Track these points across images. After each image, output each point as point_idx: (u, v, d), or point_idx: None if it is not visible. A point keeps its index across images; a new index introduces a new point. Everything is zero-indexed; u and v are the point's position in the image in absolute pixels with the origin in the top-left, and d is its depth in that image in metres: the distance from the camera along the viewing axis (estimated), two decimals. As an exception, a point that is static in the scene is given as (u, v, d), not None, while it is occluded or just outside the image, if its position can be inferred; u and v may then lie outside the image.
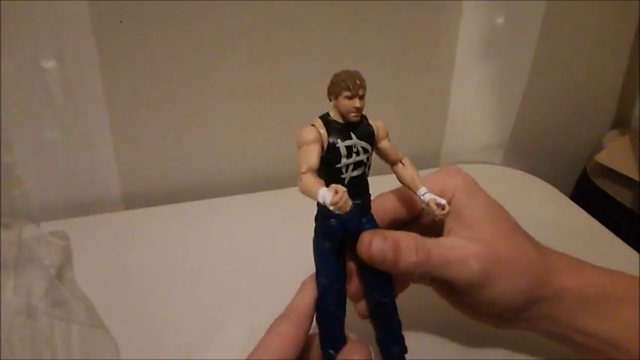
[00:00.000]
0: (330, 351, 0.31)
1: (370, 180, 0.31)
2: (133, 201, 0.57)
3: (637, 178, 0.65)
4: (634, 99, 0.75)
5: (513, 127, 0.69)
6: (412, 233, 0.33)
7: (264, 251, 0.49)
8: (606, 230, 0.55)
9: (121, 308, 0.43)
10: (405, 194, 0.35)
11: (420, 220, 0.36)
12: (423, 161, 0.68)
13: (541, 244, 0.35)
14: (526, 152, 0.72)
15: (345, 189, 0.26)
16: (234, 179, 0.60)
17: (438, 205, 0.31)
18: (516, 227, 0.35)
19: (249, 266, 0.48)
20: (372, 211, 0.32)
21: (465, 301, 0.35)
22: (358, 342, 0.32)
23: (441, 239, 0.33)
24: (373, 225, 0.32)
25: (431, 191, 0.33)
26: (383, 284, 0.33)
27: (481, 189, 0.35)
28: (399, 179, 0.33)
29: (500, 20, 0.62)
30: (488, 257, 0.32)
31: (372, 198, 0.32)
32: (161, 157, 0.57)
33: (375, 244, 0.31)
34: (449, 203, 0.34)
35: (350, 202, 0.26)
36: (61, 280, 0.45)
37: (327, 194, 0.26)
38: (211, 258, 0.49)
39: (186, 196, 0.57)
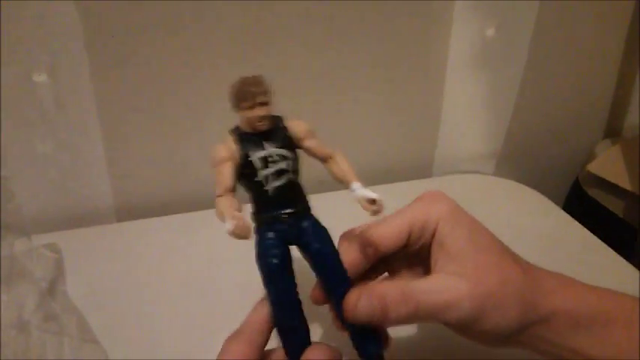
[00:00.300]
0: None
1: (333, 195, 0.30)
2: (125, 213, 0.57)
3: (629, 188, 0.66)
4: (625, 108, 0.76)
5: (505, 136, 0.69)
6: (397, 282, 0.32)
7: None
8: (598, 240, 0.55)
9: (113, 321, 0.43)
10: (385, 230, 0.33)
11: (406, 250, 0.35)
12: (417, 171, 0.68)
13: (529, 263, 0.35)
14: (518, 162, 0.72)
15: (240, 216, 0.26)
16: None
17: (369, 200, 0.29)
18: (503, 253, 0.34)
19: (243, 278, 0.47)
20: (353, 255, 0.31)
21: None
22: (320, 344, 0.31)
23: (427, 281, 0.32)
24: (315, 229, 0.31)
25: (415, 219, 0.33)
26: (371, 335, 0.32)
27: (465, 215, 0.34)
28: (332, 176, 0.31)
29: (490, 31, 0.62)
30: (478, 293, 0.31)
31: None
32: (154, 168, 0.58)
33: (361, 304, 0.30)
34: (434, 233, 0.33)
35: (250, 228, 0.26)
36: (53, 293, 0.45)
37: (227, 224, 0.26)
38: (204, 270, 0.49)
39: (179, 208, 0.57)
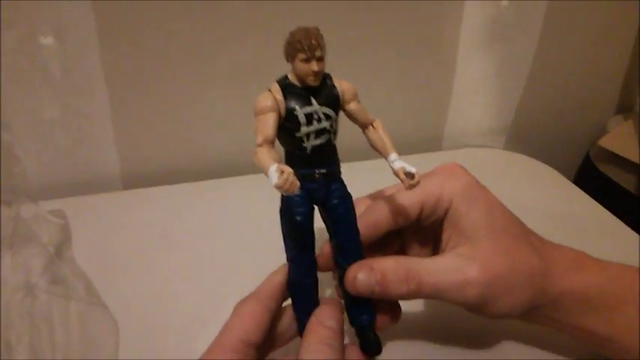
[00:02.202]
0: (303, 318, 0.31)
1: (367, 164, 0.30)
2: (132, 181, 0.57)
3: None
4: (638, 84, 0.74)
5: (516, 111, 0.68)
6: (402, 258, 0.32)
7: (264, 231, 0.48)
8: (609, 214, 0.55)
9: (119, 287, 0.42)
10: (398, 201, 0.33)
11: (418, 224, 0.34)
12: (427, 144, 0.67)
13: (544, 242, 0.34)
14: (529, 136, 0.71)
15: (290, 170, 0.25)
16: (235, 160, 0.59)
17: (408, 174, 0.29)
18: (517, 235, 0.33)
19: (249, 246, 0.47)
20: (362, 224, 0.31)
21: None
22: (330, 304, 0.31)
23: (434, 261, 0.32)
24: (342, 193, 0.30)
25: (428, 195, 0.32)
26: (366, 302, 0.32)
27: (482, 192, 0.34)
28: (370, 143, 0.31)
29: (504, 3, 0.61)
30: (486, 281, 0.30)
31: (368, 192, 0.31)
32: (161, 136, 0.57)
33: (360, 278, 0.30)
34: (447, 210, 0.33)
35: (297, 184, 0.25)
36: (59, 258, 0.44)
37: (273, 175, 0.25)
38: (211, 238, 0.49)
39: (187, 177, 0.57)
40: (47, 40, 0.48)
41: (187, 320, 0.40)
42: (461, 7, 0.61)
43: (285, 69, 0.29)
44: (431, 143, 0.69)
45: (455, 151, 0.68)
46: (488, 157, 0.68)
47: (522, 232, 0.34)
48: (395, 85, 0.63)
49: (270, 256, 0.33)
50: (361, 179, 0.35)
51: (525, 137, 0.70)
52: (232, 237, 0.49)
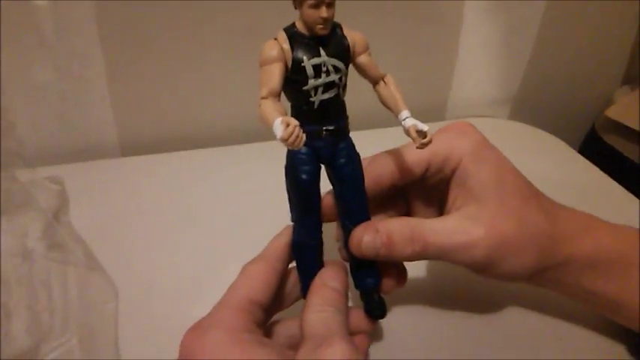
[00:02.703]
0: (307, 280, 0.30)
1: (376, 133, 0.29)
2: (130, 148, 0.56)
3: (646, 134, 0.64)
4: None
5: (522, 81, 0.67)
6: (408, 219, 0.31)
7: (262, 199, 0.48)
8: (614, 183, 0.54)
9: (118, 253, 0.42)
10: (404, 157, 0.32)
11: (423, 182, 0.34)
12: (430, 114, 0.66)
13: (554, 204, 0.33)
14: (534, 107, 0.70)
15: (297, 123, 0.24)
16: (233, 128, 0.58)
17: (419, 132, 0.28)
18: (527, 196, 0.32)
19: (247, 213, 0.47)
20: (368, 176, 0.30)
21: None
22: (334, 266, 0.31)
23: (440, 221, 0.31)
24: (350, 152, 0.29)
25: (436, 152, 0.31)
26: (371, 266, 0.32)
27: (492, 152, 0.33)
28: (380, 99, 0.30)
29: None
30: (492, 242, 0.30)
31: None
32: (159, 103, 0.56)
33: (365, 240, 0.30)
34: (455, 169, 0.32)
35: (303, 138, 0.24)
36: (57, 223, 0.44)
37: (278, 128, 0.23)
38: (208, 205, 0.48)
39: (185, 145, 0.56)
40: (41, 2, 0.46)
41: (187, 284, 0.39)
42: (466, -27, 0.59)
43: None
44: (434, 113, 0.68)
45: (459, 120, 0.67)
46: (493, 127, 0.66)
47: (532, 194, 0.33)
48: (398, 54, 0.62)
49: (272, 220, 0.32)
50: (368, 148, 0.33)
51: (530, 108, 0.69)
52: (234, 202, 0.48)
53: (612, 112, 0.67)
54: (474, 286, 0.36)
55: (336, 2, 0.26)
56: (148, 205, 0.48)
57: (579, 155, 0.60)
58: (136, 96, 0.54)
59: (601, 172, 0.56)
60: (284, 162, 0.29)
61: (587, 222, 0.33)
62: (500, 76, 0.67)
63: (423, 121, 0.28)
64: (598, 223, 0.33)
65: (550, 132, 0.65)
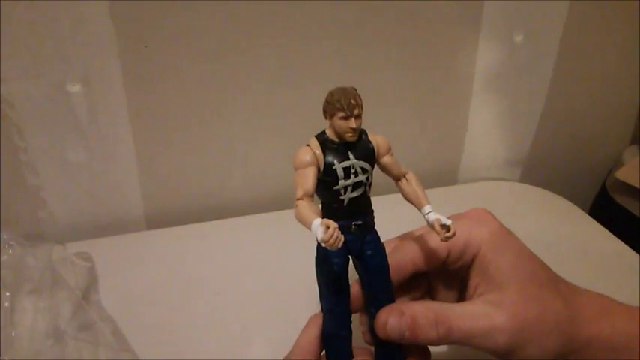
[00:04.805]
0: None
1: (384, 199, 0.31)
2: (155, 221, 0.58)
3: (657, 195, 0.65)
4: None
5: (532, 143, 0.69)
6: (432, 303, 0.32)
7: (288, 270, 0.49)
8: (626, 247, 0.55)
9: (145, 329, 0.43)
10: (425, 244, 0.34)
11: (444, 268, 0.35)
12: (443, 177, 0.68)
13: (570, 286, 0.34)
14: (544, 169, 0.71)
15: (336, 225, 0.26)
16: (258, 198, 0.60)
17: (443, 226, 0.30)
18: (544, 282, 0.33)
19: (273, 285, 0.48)
20: (391, 264, 0.32)
21: None
22: (364, 355, 0.32)
23: (463, 306, 0.32)
24: (377, 244, 0.31)
25: (455, 240, 0.32)
26: (396, 351, 0.32)
27: (510, 239, 0.34)
28: (403, 195, 0.32)
29: (519, 38, 0.62)
30: (514, 328, 0.30)
31: (394, 236, 0.31)
32: (184, 177, 0.58)
33: (391, 323, 0.30)
34: (474, 257, 0.33)
35: (342, 239, 0.26)
36: (87, 301, 0.45)
37: (318, 230, 0.26)
38: (235, 277, 0.49)
39: (210, 216, 0.58)
40: (75, 87, 0.49)
41: (215, 363, 0.40)
42: (475, 42, 0.62)
43: (302, 107, 0.29)
44: (447, 176, 0.69)
45: (471, 184, 0.69)
46: (504, 190, 0.68)
47: (550, 279, 0.34)
48: (411, 120, 0.64)
49: (297, 295, 0.33)
50: (387, 212, 0.35)
51: (541, 169, 0.71)
52: (258, 276, 0.49)
53: (622, 174, 0.68)
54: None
55: (354, 70, 0.29)
56: (173, 278, 0.49)
57: (589, 217, 0.61)
58: (162, 171, 0.57)
59: (613, 237, 0.57)
60: (306, 230, 0.30)
61: (603, 304, 0.34)
62: (510, 140, 0.69)
63: (437, 185, 0.30)
64: (614, 306, 0.34)
65: (562, 193, 0.66)
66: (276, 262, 0.51)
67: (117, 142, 0.52)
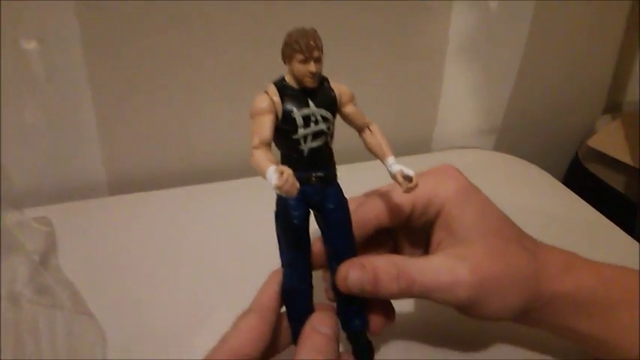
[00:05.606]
0: (298, 326, 0.30)
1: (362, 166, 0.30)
2: (118, 187, 0.56)
3: (629, 162, 0.65)
4: (626, 83, 0.75)
5: (505, 112, 0.68)
6: (394, 257, 0.32)
7: (252, 237, 0.48)
8: (599, 214, 0.55)
9: (106, 295, 0.42)
10: (389, 200, 0.33)
11: (409, 224, 0.34)
12: (415, 146, 0.67)
13: (537, 243, 0.34)
14: (518, 137, 0.71)
15: (290, 172, 0.25)
16: (222, 165, 0.58)
17: (406, 177, 0.29)
18: (510, 238, 0.33)
19: (237, 252, 0.47)
20: (354, 219, 0.31)
21: None
22: (324, 311, 0.31)
23: (426, 260, 0.32)
24: (339, 197, 0.30)
25: (420, 196, 0.32)
26: (359, 307, 0.32)
27: (475, 194, 0.33)
28: (367, 146, 0.31)
29: (493, 4, 0.61)
30: (476, 282, 0.30)
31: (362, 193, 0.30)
32: (147, 141, 0.56)
33: (352, 276, 0.30)
34: (439, 213, 0.33)
35: (297, 186, 0.25)
36: (45, 266, 0.44)
37: (273, 176, 0.25)
38: (198, 244, 0.48)
39: (173, 182, 0.56)
40: (30, 45, 0.47)
41: (176, 329, 0.39)
42: (449, 8, 0.61)
43: (275, 69, 0.28)
44: (420, 145, 0.69)
45: (444, 152, 0.68)
46: (478, 158, 0.68)
47: (515, 235, 0.34)
48: (384, 87, 0.63)
49: (262, 260, 0.32)
50: (358, 181, 0.34)
51: (514, 138, 0.71)
52: (222, 242, 0.49)
53: (594, 142, 0.68)
54: (463, 325, 0.36)
55: (326, 39, 0.28)
56: (136, 245, 0.48)
57: (563, 186, 0.61)
58: (124, 134, 0.55)
59: (585, 204, 0.57)
60: (274, 197, 0.29)
61: (567, 261, 0.34)
62: (484, 108, 0.68)
63: (410, 153, 0.29)
64: (579, 262, 0.34)
65: (535, 161, 0.66)
66: (244, 228, 0.50)
67: (76, 103, 0.50)
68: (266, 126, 0.27)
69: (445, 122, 0.68)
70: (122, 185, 0.56)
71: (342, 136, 0.31)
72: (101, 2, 0.47)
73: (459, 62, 0.65)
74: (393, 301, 0.34)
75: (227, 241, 0.49)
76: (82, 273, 0.43)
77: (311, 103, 0.28)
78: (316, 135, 0.28)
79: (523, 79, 0.66)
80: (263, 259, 0.32)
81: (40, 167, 0.53)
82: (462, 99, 0.67)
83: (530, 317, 0.33)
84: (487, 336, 0.38)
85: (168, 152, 0.58)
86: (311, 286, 0.31)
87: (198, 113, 0.56)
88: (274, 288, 0.31)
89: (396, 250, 0.37)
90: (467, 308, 0.31)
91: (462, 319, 0.33)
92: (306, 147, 0.28)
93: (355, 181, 0.33)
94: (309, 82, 0.28)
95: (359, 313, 0.32)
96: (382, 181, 0.34)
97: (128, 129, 0.55)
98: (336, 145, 0.30)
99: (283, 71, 0.28)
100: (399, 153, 0.31)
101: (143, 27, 0.50)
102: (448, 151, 0.68)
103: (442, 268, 0.31)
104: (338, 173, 0.31)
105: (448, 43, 0.63)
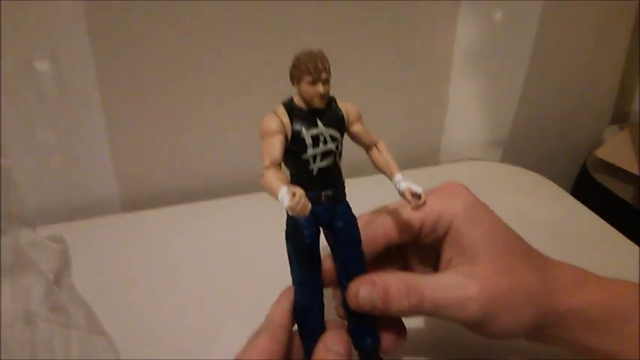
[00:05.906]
0: (310, 343, 0.31)
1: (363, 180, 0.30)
2: (130, 203, 0.57)
3: (637, 173, 0.65)
4: (633, 94, 0.75)
5: (512, 123, 0.68)
6: (404, 274, 0.32)
7: (265, 253, 0.48)
8: (607, 225, 0.55)
9: (120, 312, 0.42)
10: (397, 218, 0.33)
11: (418, 241, 0.34)
12: (422, 158, 0.67)
13: (546, 260, 0.34)
14: (525, 148, 0.71)
15: (302, 192, 0.25)
16: (234, 180, 0.59)
17: (414, 194, 0.29)
18: (519, 255, 0.33)
19: (249, 268, 0.47)
20: (363, 237, 0.31)
21: None
22: (336, 329, 0.31)
23: (436, 277, 0.32)
24: (348, 215, 0.30)
25: (428, 214, 0.32)
26: (370, 325, 0.32)
27: (484, 211, 0.34)
28: (374, 164, 0.31)
29: (497, 15, 0.62)
30: (486, 298, 0.30)
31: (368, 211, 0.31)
32: (159, 158, 0.57)
33: (362, 293, 0.30)
34: (448, 230, 0.33)
35: (309, 206, 0.25)
36: (59, 285, 0.44)
37: (285, 197, 0.25)
38: (211, 260, 0.48)
39: (185, 198, 0.57)
40: (43, 65, 0.47)
41: (190, 346, 0.39)
42: (455, 19, 0.61)
43: (282, 87, 0.29)
44: (427, 157, 0.69)
45: (452, 164, 0.69)
46: (485, 170, 0.68)
47: (524, 252, 0.34)
48: (391, 99, 0.63)
49: (273, 277, 0.33)
50: (367, 195, 0.35)
51: (522, 149, 0.71)
52: (234, 258, 0.49)
53: (602, 153, 0.68)
54: (475, 344, 0.36)
55: (333, 53, 0.28)
56: (148, 261, 0.48)
57: (571, 197, 0.61)
58: (135, 152, 0.55)
59: (593, 214, 0.57)
60: (284, 211, 0.30)
61: (577, 276, 0.34)
62: (491, 119, 0.69)
63: (417, 166, 0.30)
64: (588, 278, 0.34)
65: (543, 172, 0.66)
66: (256, 244, 0.50)
67: (88, 121, 0.51)
68: (276, 146, 0.27)
69: (452, 134, 0.68)
70: (135, 201, 0.56)
71: (350, 151, 0.31)
72: (113, 22, 0.48)
73: (465, 74, 0.65)
74: (404, 321, 0.34)
75: (240, 257, 0.49)
76: (95, 290, 0.43)
77: (319, 123, 0.28)
78: (325, 154, 0.28)
79: (529, 91, 0.66)
80: (277, 276, 0.32)
81: (53, 185, 0.53)
82: (469, 111, 0.67)
83: (544, 335, 0.33)
84: (499, 356, 0.38)
85: (181, 168, 0.58)
86: (322, 304, 0.32)
87: (211, 128, 0.57)
88: (286, 306, 0.31)
89: (405, 268, 0.37)
90: (478, 326, 0.31)
91: (474, 338, 0.33)
92: (315, 166, 0.28)
93: (363, 195, 0.33)
94: (318, 103, 0.28)
95: (370, 331, 0.32)
96: (390, 195, 0.34)
97: (140, 146, 0.55)
98: (345, 159, 0.30)
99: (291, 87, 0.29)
100: (406, 165, 0.31)
101: (155, 46, 0.51)
102: (456, 164, 0.68)
103: (451, 284, 0.31)
104: (347, 188, 0.31)
105: (454, 55, 0.63)
